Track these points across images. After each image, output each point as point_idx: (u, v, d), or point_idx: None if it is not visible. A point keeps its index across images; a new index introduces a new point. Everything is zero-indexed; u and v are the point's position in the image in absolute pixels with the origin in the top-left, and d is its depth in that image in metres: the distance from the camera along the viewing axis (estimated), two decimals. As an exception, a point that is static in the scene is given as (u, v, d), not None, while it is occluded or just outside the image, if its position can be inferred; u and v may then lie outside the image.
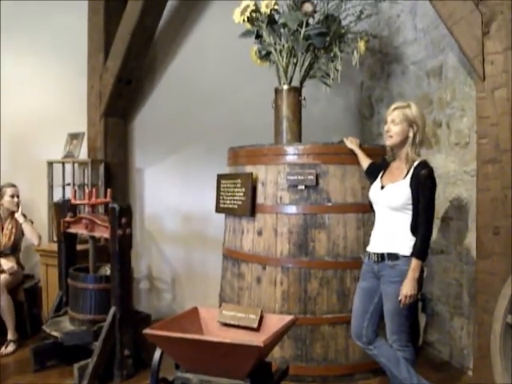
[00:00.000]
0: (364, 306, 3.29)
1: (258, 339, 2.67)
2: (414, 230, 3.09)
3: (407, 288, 3.03)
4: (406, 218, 3.12)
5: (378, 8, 5.36)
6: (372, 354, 3.30)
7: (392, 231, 3.17)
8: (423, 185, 3.07)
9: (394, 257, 3.11)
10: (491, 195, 3.41)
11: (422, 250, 3.06)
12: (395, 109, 3.17)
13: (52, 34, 5.35)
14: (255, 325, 3.02)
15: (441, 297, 4.44)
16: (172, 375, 2.82)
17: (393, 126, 3.15)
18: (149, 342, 3.23)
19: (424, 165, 3.12)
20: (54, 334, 4.01)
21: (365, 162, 3.76)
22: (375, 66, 5.62)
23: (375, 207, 3.33)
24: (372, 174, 3.58)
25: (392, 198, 3.15)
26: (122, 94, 5.38)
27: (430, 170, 3.11)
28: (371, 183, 3.45)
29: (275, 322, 3.01)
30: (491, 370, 3.24)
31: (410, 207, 3.10)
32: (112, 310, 3.91)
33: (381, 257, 3.17)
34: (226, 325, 3.09)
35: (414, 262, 3.03)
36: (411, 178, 3.10)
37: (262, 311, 3.09)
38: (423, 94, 4.67)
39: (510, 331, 3.20)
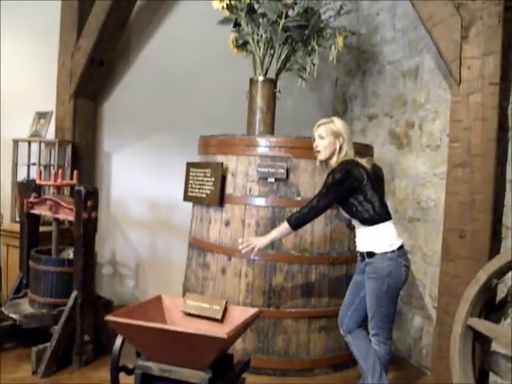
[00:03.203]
0: (351, 298, 3.44)
1: (221, 331, 2.64)
2: (368, 221, 3.19)
3: (254, 241, 3.36)
4: (359, 217, 3.23)
5: (358, 5, 5.36)
6: (347, 341, 3.44)
7: (361, 231, 3.29)
8: (326, 178, 3.23)
9: (371, 255, 3.21)
10: (459, 199, 3.45)
11: (296, 218, 3.25)
12: (320, 125, 3.33)
13: (24, 7, 5.18)
14: (219, 316, 3.00)
15: (403, 296, 4.47)
16: (132, 363, 2.78)
17: (320, 140, 3.31)
18: (109, 327, 3.19)
19: (342, 162, 3.24)
20: (13, 316, 3.92)
21: None
22: (351, 63, 5.62)
23: None
24: None
25: None
26: (93, 74, 5.26)
27: (339, 167, 3.21)
28: None
29: (239, 313, 2.99)
30: (449, 370, 3.30)
31: (350, 207, 3.23)
32: (73, 294, 3.84)
33: (362, 255, 3.29)
34: (189, 315, 3.06)
35: (284, 226, 3.28)
36: None
37: (226, 302, 3.07)
38: (398, 95, 4.69)
39: (470, 333, 3.26)
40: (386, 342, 3.28)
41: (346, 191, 3.17)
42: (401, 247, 3.21)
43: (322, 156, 3.33)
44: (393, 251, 3.16)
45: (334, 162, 3.29)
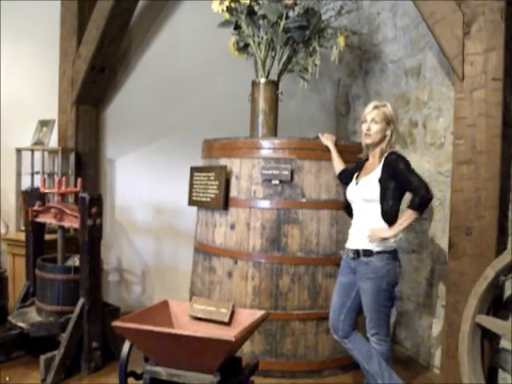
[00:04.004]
0: (341, 301, 3.36)
1: (229, 334, 2.64)
2: (385, 217, 3.16)
3: (383, 231, 3.12)
4: (379, 209, 3.18)
5: (359, 4, 5.36)
6: (346, 347, 3.36)
7: (366, 226, 3.21)
8: (395, 164, 3.15)
9: (368, 253, 3.18)
10: (465, 196, 3.44)
11: (419, 204, 3.05)
12: (375, 108, 3.26)
13: (24, 17, 5.20)
14: (226, 319, 2.98)
15: (411, 296, 4.46)
16: (141, 368, 2.77)
17: (373, 124, 3.24)
18: (117, 334, 3.18)
19: (393, 153, 3.22)
20: (21, 324, 3.92)
21: (338, 165, 3.80)
22: (353, 63, 5.62)
23: (352, 205, 3.39)
24: (345, 178, 3.65)
25: (365, 190, 3.23)
26: (94, 81, 5.26)
27: (399, 155, 3.21)
28: (345, 186, 3.54)
29: (246, 316, 2.98)
30: (458, 368, 3.28)
31: (385, 194, 3.17)
32: (80, 301, 3.84)
33: (356, 253, 3.24)
34: (196, 318, 3.05)
35: (409, 212, 3.05)
36: (382, 167, 3.19)
37: (233, 305, 3.06)
38: (400, 93, 4.68)
39: (479, 331, 3.24)
40: (386, 340, 3.27)
41: None
42: (394, 250, 3.21)
43: (371, 140, 3.27)
44: (389, 252, 3.17)
45: (379, 148, 3.27)
